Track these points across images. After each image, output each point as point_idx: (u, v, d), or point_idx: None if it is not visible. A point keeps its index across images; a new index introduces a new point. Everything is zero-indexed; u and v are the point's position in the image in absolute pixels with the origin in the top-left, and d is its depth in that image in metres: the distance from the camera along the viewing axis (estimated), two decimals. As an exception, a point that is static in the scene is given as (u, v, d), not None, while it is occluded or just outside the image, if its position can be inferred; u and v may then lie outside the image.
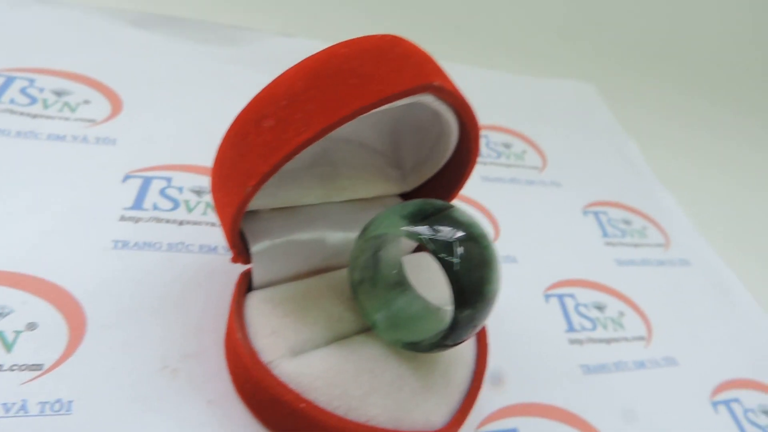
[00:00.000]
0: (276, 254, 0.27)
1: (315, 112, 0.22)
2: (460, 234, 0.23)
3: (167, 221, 0.32)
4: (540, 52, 0.67)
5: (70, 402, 0.24)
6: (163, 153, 0.36)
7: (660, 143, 0.59)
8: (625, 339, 0.38)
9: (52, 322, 0.26)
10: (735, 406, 0.37)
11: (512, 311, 0.37)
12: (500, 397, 0.31)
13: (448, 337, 0.24)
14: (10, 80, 0.37)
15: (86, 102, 0.37)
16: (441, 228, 0.23)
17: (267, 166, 0.22)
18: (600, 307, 0.40)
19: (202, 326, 0.28)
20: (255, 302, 0.27)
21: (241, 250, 0.26)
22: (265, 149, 0.22)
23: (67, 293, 0.27)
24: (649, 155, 0.56)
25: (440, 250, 0.23)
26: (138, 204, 0.32)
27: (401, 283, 0.28)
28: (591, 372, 0.35)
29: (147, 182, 0.34)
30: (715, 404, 0.36)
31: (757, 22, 0.78)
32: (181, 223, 0.33)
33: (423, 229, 0.23)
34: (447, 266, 0.23)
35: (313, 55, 0.24)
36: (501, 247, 0.40)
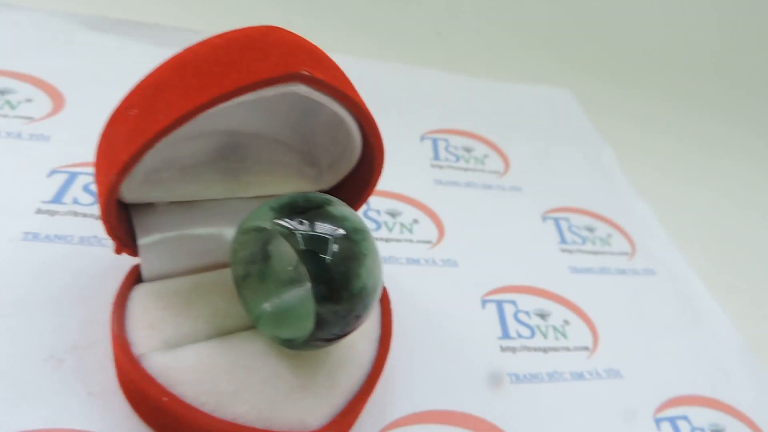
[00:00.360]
0: (167, 248, 0.27)
1: (174, 101, 0.22)
2: (326, 228, 0.23)
3: (84, 215, 0.33)
4: (518, 57, 0.65)
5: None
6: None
7: (638, 152, 0.57)
8: (566, 349, 0.36)
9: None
10: (681, 423, 0.34)
11: (444, 316, 0.35)
12: (410, 404, 0.30)
13: (315, 334, 0.23)
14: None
15: (28, 100, 0.38)
16: (308, 222, 0.23)
17: (127, 154, 0.22)
18: (543, 315, 0.38)
19: (99, 319, 0.28)
20: (139, 295, 0.26)
21: (126, 241, 0.26)
22: (128, 138, 0.22)
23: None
24: (626, 163, 0.54)
25: (300, 243, 0.22)
26: (57, 198, 0.33)
27: (297, 280, 0.28)
28: (519, 381, 0.33)
29: (72, 177, 0.34)
30: (658, 421, 0.34)
31: (736, 30, 0.74)
32: (98, 217, 0.33)
33: (287, 223, 0.22)
34: (305, 260, 0.22)
35: (189, 46, 0.24)
36: (442, 251, 0.39)
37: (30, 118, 0.37)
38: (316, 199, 0.24)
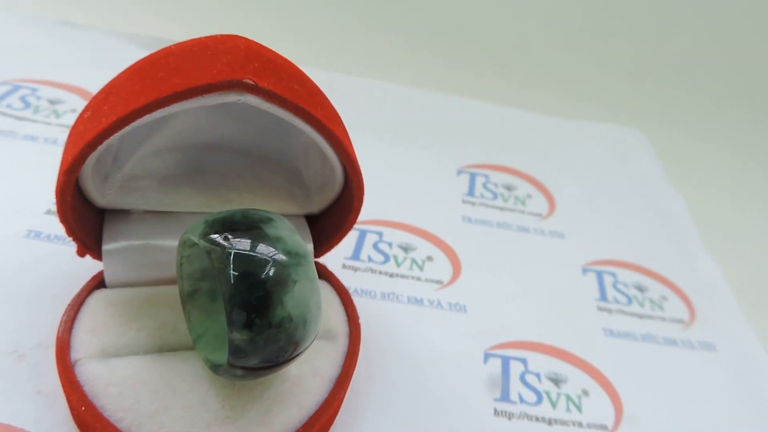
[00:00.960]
0: (131, 256, 0.27)
1: (117, 105, 0.22)
2: (252, 247, 0.21)
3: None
4: (584, 94, 0.60)
5: None
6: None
7: (716, 206, 0.49)
8: (579, 424, 0.31)
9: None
10: None
11: (436, 366, 0.32)
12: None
13: (232, 362, 0.21)
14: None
15: (73, 110, 0.41)
16: (236, 239, 0.21)
17: (71, 155, 0.22)
18: (557, 380, 0.33)
19: (69, 320, 0.28)
20: (95, 299, 0.26)
21: (90, 245, 0.26)
22: (76, 140, 0.23)
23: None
24: (699, 216, 0.47)
25: (216, 261, 0.20)
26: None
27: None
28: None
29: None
30: None
31: None
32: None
33: (213, 239, 0.21)
34: (219, 279, 0.20)
35: (153, 52, 0.24)
36: (451, 294, 0.36)
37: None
38: (254, 217, 0.22)
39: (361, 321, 0.29)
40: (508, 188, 0.46)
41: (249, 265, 0.20)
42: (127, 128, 0.22)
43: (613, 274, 0.41)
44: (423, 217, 0.41)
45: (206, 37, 0.23)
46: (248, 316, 0.20)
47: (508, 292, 0.37)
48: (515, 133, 0.53)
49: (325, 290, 0.30)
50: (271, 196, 0.30)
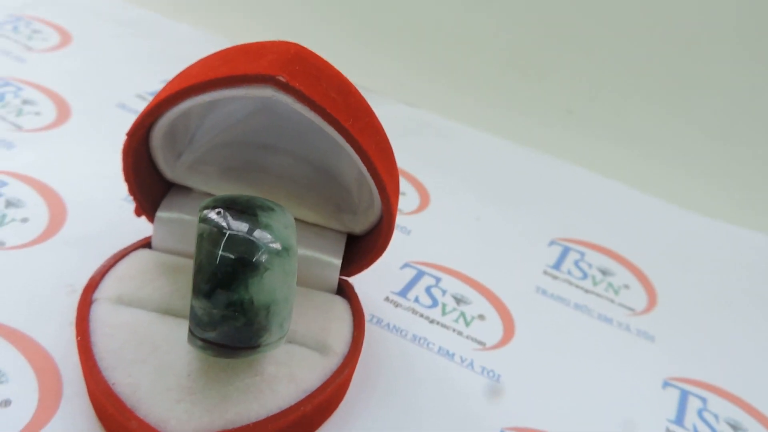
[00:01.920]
0: (179, 227, 0.30)
1: (175, 84, 0.25)
2: (237, 226, 0.22)
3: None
4: (711, 190, 0.52)
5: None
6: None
7: None
8: None
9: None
10: None
11: (436, 423, 0.29)
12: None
13: (191, 330, 0.22)
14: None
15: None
16: (227, 216, 0.22)
17: (133, 122, 0.26)
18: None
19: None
20: (136, 255, 0.29)
21: (146, 208, 0.30)
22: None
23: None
24: None
25: (199, 229, 0.22)
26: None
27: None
28: None
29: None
30: None
31: None
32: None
33: (208, 212, 0.22)
34: (197, 246, 0.21)
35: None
36: (490, 359, 0.33)
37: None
38: (257, 203, 0.23)
39: (379, 357, 0.29)
40: (604, 272, 0.41)
41: (226, 239, 0.21)
42: (184, 106, 0.25)
43: (704, 399, 0.33)
44: (491, 274, 0.38)
45: (268, 41, 0.26)
46: (210, 287, 0.21)
47: (558, 379, 0.33)
48: (628, 213, 0.47)
49: (340, 307, 0.29)
50: (317, 207, 0.31)
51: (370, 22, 0.62)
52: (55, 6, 0.56)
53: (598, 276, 0.41)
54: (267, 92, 0.24)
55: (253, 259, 0.21)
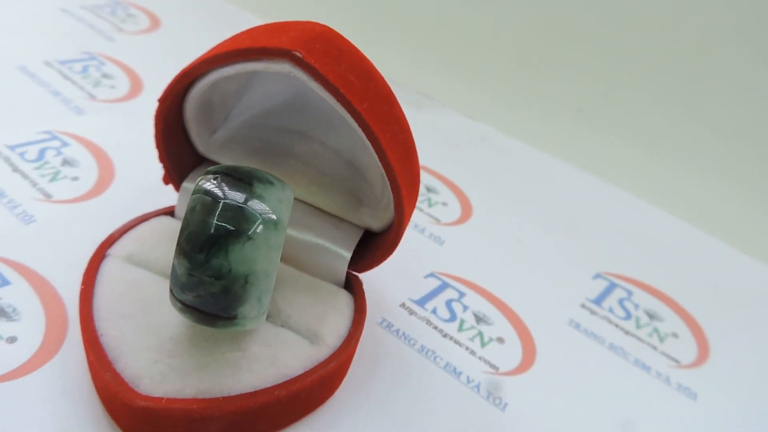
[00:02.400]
0: (201, 198, 0.30)
1: (204, 55, 0.25)
2: (230, 195, 0.22)
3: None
4: None
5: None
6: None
7: None
8: None
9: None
10: None
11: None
12: None
13: (171, 289, 0.22)
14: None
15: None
16: (222, 184, 0.22)
17: (162, 94, 0.27)
18: None
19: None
20: (156, 221, 0.30)
21: (175, 178, 0.31)
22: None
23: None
24: None
25: (192, 193, 0.22)
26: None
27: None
28: None
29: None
30: None
31: None
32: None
33: (206, 179, 0.22)
34: (187, 209, 0.21)
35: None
36: (501, 385, 0.30)
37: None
38: (257, 175, 0.23)
39: (378, 360, 0.28)
40: (651, 316, 0.37)
41: (210, 206, 0.21)
42: (211, 77, 0.26)
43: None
44: (521, 298, 0.36)
45: (298, 21, 0.26)
46: (190, 248, 0.21)
47: (573, 421, 0.30)
48: (688, 254, 0.43)
49: (342, 301, 0.28)
50: (338, 198, 0.30)
51: (441, 34, 0.61)
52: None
53: (644, 319, 0.37)
54: (285, 67, 0.24)
55: (236, 227, 0.21)
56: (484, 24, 0.58)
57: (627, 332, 0.36)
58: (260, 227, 0.21)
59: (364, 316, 0.28)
